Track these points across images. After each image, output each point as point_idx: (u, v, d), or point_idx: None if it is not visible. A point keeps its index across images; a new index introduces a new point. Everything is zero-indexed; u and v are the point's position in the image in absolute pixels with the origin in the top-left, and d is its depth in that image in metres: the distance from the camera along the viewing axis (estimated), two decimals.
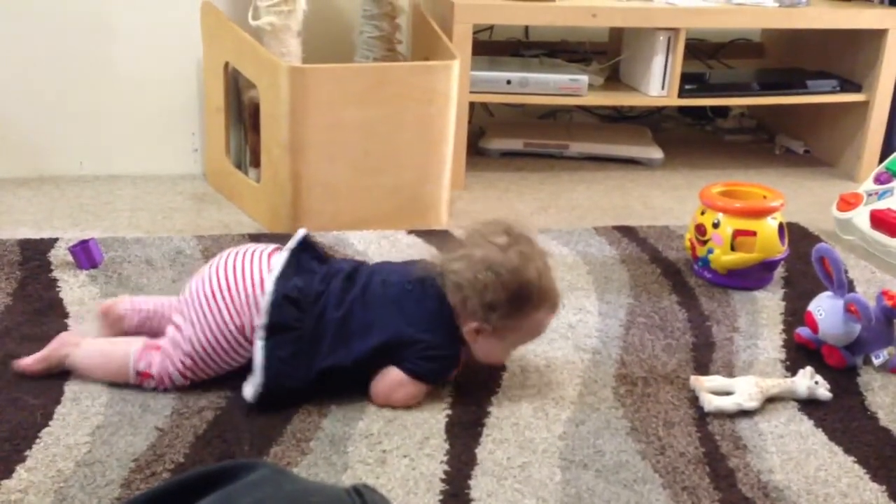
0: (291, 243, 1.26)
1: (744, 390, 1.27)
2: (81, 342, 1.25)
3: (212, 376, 1.22)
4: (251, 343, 1.19)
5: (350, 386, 1.23)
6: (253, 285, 1.19)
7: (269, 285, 1.18)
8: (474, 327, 1.21)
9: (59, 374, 1.25)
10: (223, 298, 1.19)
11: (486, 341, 1.23)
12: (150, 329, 1.30)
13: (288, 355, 1.17)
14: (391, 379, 1.21)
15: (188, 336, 1.20)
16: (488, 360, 1.28)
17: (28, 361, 1.24)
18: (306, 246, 1.27)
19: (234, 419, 1.18)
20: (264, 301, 1.17)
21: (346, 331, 1.20)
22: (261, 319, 1.17)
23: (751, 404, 1.25)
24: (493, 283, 1.18)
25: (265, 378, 1.16)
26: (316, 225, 1.79)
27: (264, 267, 1.21)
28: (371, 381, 1.23)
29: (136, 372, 1.21)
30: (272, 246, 1.27)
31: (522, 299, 1.19)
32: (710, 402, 1.25)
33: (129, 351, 1.22)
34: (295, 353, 1.18)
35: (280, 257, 1.23)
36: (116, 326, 1.31)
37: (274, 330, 1.17)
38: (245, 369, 1.20)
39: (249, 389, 1.18)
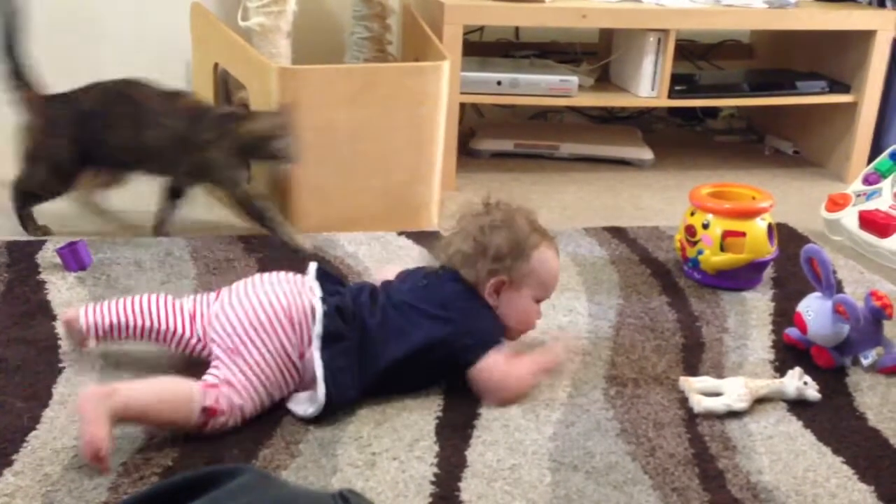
0: (312, 272, 1.29)
1: (733, 391, 1.27)
2: (116, 389, 1.10)
3: (268, 406, 1.19)
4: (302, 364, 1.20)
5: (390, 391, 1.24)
6: (304, 307, 1.20)
7: (318, 300, 1.21)
8: (493, 284, 1.29)
9: (47, 377, 1.25)
10: (279, 322, 1.19)
11: (509, 297, 1.29)
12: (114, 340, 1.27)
13: (344, 365, 1.19)
14: (480, 378, 1.24)
15: (250, 366, 1.17)
16: (520, 321, 1.32)
17: (101, 436, 1.06)
18: (324, 274, 1.31)
19: None
20: (318, 311, 1.20)
21: (387, 333, 1.23)
22: (315, 329, 1.19)
23: (740, 405, 1.25)
24: (491, 239, 1.29)
25: (326, 389, 1.16)
26: (306, 226, 1.79)
27: (304, 288, 1.23)
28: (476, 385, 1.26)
29: (202, 407, 1.12)
30: (290, 273, 1.28)
31: (521, 241, 1.30)
32: (700, 403, 1.26)
33: (190, 387, 1.14)
34: (349, 364, 1.20)
35: (311, 280, 1.26)
36: (80, 337, 1.27)
37: (329, 339, 1.19)
38: None
39: (308, 407, 1.17)
